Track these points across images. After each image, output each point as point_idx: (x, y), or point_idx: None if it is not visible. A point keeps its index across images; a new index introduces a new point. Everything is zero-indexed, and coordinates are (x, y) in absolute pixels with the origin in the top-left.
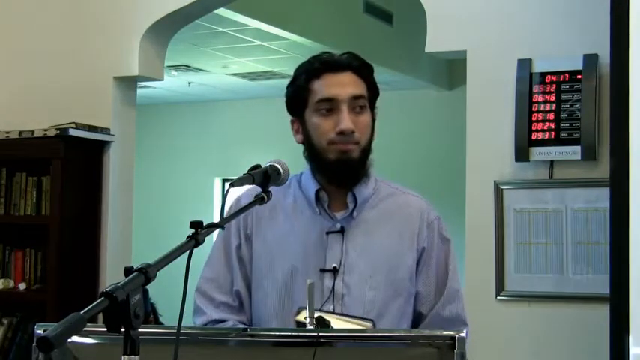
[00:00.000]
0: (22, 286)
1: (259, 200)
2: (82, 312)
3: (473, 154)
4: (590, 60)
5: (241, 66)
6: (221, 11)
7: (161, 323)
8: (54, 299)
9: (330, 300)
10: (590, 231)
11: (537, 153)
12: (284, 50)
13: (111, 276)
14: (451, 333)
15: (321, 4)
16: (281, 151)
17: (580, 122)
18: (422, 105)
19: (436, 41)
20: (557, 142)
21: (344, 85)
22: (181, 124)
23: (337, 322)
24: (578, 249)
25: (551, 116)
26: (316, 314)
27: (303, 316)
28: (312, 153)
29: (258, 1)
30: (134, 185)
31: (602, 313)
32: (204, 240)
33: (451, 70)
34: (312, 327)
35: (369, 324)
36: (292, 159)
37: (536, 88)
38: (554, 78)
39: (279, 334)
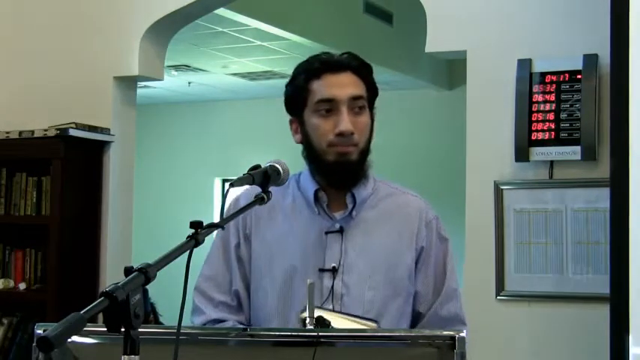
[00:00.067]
0: (22, 286)
1: (259, 200)
2: (82, 312)
3: (473, 154)
4: (590, 60)
5: (241, 66)
6: (221, 11)
7: (161, 323)
8: (54, 299)
9: (329, 300)
10: (590, 231)
11: (537, 153)
12: (284, 50)
13: (111, 276)
14: (451, 333)
15: (321, 4)
16: (281, 151)
17: (580, 122)
18: (422, 105)
19: (436, 41)
20: (557, 142)
21: (343, 86)
22: (181, 124)
23: (343, 322)
24: (578, 249)
25: (551, 116)
26: (324, 314)
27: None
28: (311, 154)
29: (258, 1)
30: (134, 185)
31: (602, 313)
32: (204, 240)
33: (451, 70)
34: (312, 327)
35: (374, 325)
36: (292, 159)
37: (536, 88)
38: (554, 78)
39: (279, 334)
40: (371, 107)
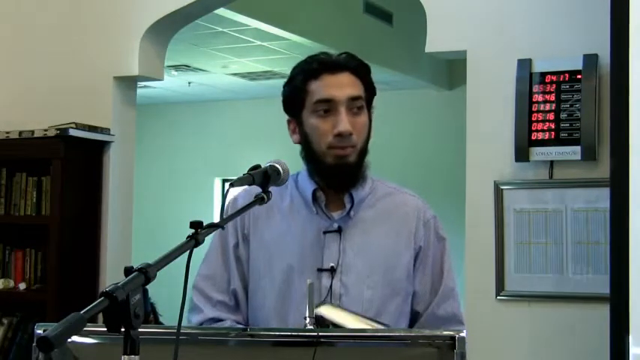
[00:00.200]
0: (22, 286)
1: (259, 200)
2: (82, 312)
3: (473, 154)
4: (590, 60)
5: (241, 66)
6: (221, 11)
7: (161, 323)
8: (54, 299)
9: (328, 300)
10: (590, 231)
11: (537, 153)
12: (284, 50)
13: (111, 276)
14: (451, 333)
15: (321, 4)
16: (281, 151)
17: (580, 122)
18: (422, 105)
19: (436, 41)
20: (557, 142)
21: (342, 87)
22: (181, 124)
23: (355, 323)
24: (578, 249)
25: (551, 116)
26: (341, 312)
27: (320, 310)
28: (310, 154)
29: (258, 1)
30: (134, 185)
31: (602, 313)
32: (204, 240)
33: (451, 70)
34: (312, 327)
35: (382, 327)
36: (292, 159)
37: (536, 88)
38: (554, 78)
39: (279, 334)
40: (369, 107)
